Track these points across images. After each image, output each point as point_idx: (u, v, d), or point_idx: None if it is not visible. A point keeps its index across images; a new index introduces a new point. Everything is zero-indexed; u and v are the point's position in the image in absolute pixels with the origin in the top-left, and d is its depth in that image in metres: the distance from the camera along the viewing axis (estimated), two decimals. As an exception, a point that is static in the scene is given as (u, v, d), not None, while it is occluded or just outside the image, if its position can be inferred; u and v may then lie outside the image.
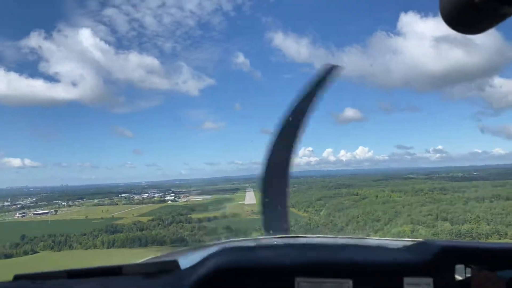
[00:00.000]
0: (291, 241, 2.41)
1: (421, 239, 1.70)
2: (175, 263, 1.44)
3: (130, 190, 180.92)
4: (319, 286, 1.32)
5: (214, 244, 2.26)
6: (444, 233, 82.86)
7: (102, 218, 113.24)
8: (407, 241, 2.12)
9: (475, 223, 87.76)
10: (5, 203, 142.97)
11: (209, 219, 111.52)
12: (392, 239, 2.50)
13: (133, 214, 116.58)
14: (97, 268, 1.46)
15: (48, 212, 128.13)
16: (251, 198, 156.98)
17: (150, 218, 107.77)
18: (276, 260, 1.39)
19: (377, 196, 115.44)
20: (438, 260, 1.36)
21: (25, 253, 75.74)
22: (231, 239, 2.61)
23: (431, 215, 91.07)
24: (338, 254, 1.41)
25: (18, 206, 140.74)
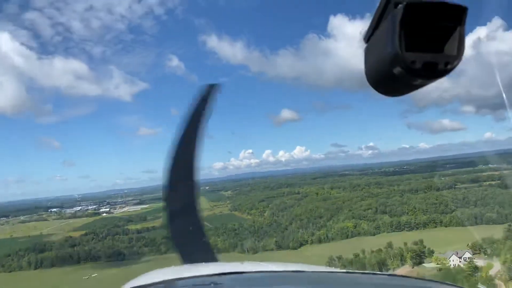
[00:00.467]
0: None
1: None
2: None
3: (61, 204, 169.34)
4: None
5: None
6: (385, 226, 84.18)
7: (29, 236, 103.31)
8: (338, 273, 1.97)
9: (413, 214, 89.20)
10: None
11: (148, 229, 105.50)
12: (328, 272, 2.09)
13: (64, 230, 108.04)
14: None
15: None
16: None
17: (83, 232, 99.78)
18: None
19: (317, 194, 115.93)
20: None
21: None
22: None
23: (371, 209, 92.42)
24: None
25: None
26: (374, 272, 2.19)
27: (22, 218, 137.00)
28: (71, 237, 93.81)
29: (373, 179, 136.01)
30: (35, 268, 71.77)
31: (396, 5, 0.79)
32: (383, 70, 0.84)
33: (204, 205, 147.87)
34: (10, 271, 71.40)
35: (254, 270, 1.96)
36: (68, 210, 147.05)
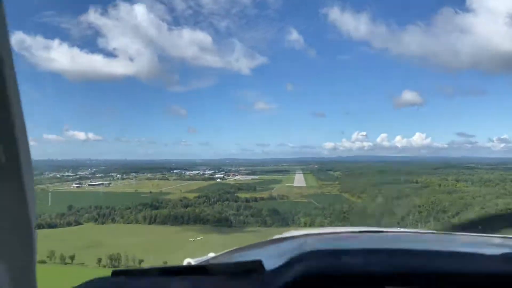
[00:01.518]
0: (371, 238, 2.11)
1: None
2: (259, 264, 1.34)
3: (183, 166, 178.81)
4: None
5: (293, 237, 2.02)
6: None
7: (151, 192, 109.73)
8: (502, 238, 2.00)
9: None
10: (66, 174, 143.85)
11: (255, 200, 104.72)
12: (482, 235, 2.19)
13: (181, 190, 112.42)
14: (185, 267, 1.51)
15: (101, 184, 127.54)
16: (300, 180, 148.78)
17: (197, 195, 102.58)
18: (365, 267, 1.26)
19: (440, 185, 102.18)
20: None
21: (69, 224, 72.46)
22: (309, 232, 2.23)
23: (510, 209, 77.58)
24: (429, 262, 1.25)
25: (77, 176, 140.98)
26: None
27: (148, 175, 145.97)
28: (185, 197, 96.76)
29: (508, 175, 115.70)
30: (149, 223, 74.60)
31: None
32: None
33: (313, 183, 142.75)
34: (128, 223, 75.23)
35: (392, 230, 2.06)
36: (188, 173, 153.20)
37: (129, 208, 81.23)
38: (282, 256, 1.35)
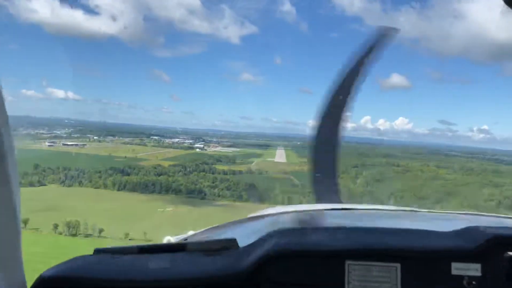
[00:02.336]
0: (340, 215, 2.29)
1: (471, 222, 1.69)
2: (233, 242, 1.47)
3: (163, 133, 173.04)
4: (368, 269, 1.34)
5: (268, 215, 2.25)
6: None
7: (125, 157, 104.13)
8: (455, 214, 2.26)
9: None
10: (41, 131, 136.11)
11: (233, 173, 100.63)
12: (441, 212, 2.45)
13: (157, 157, 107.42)
14: (164, 245, 1.64)
15: (76, 145, 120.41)
16: (281, 156, 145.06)
17: (173, 163, 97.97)
18: (329, 243, 1.42)
19: (422, 171, 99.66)
20: (488, 246, 1.30)
21: (31, 184, 66.39)
22: (284, 209, 2.36)
23: (493, 200, 75.09)
24: (387, 238, 1.41)
25: (52, 135, 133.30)
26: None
27: (126, 140, 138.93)
28: (160, 165, 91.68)
29: (488, 165, 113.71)
30: (118, 190, 69.64)
31: None
32: None
33: (293, 160, 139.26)
34: (96, 188, 69.91)
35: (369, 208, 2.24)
36: (167, 140, 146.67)
37: (99, 172, 76.18)
38: (256, 234, 1.49)
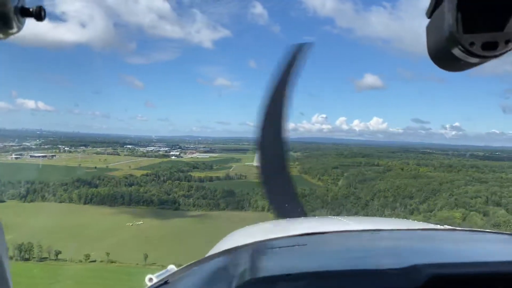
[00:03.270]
0: (322, 241, 1.90)
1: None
2: None
3: (138, 142, 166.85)
4: None
5: (241, 249, 1.77)
6: (505, 224, 62.70)
7: (96, 167, 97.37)
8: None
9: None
10: (10, 143, 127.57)
11: (210, 179, 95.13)
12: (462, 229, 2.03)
13: (130, 167, 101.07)
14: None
15: (44, 156, 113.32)
16: None
17: (146, 172, 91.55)
18: None
19: (402, 169, 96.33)
20: None
21: (-13, 201, 58.94)
22: (256, 240, 1.88)
23: (480, 197, 71.74)
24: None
25: (22, 147, 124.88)
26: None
27: (98, 149, 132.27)
28: (131, 175, 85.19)
29: (465, 161, 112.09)
30: (84, 203, 62.97)
31: None
32: (443, 48, 0.79)
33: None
34: (60, 202, 63.02)
35: (345, 229, 1.95)
36: (141, 149, 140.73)
37: (66, 184, 69.18)
38: (228, 279, 1.31)
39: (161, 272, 1.66)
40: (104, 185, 74.26)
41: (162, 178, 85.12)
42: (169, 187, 79.38)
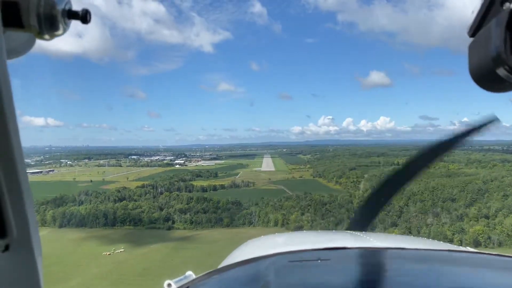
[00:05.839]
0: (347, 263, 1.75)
1: None
2: None
3: (144, 152, 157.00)
4: None
5: (261, 260, 1.67)
6: None
7: (91, 181, 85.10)
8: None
9: None
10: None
11: (214, 188, 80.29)
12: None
13: (127, 178, 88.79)
14: None
15: (40, 172, 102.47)
16: (268, 164, 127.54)
17: (142, 183, 78.79)
18: None
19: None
20: None
21: None
22: (262, 255, 1.74)
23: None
24: None
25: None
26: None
27: (100, 162, 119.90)
28: (125, 188, 72.15)
29: (489, 156, 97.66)
30: (60, 226, 50.03)
31: (502, 3, 0.69)
32: (487, 69, 0.72)
33: (282, 167, 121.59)
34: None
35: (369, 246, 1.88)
36: (146, 159, 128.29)
37: (43, 204, 56.64)
38: None
39: (179, 278, 1.59)
40: (87, 202, 61.38)
41: (159, 190, 72.24)
42: (165, 200, 66.32)
